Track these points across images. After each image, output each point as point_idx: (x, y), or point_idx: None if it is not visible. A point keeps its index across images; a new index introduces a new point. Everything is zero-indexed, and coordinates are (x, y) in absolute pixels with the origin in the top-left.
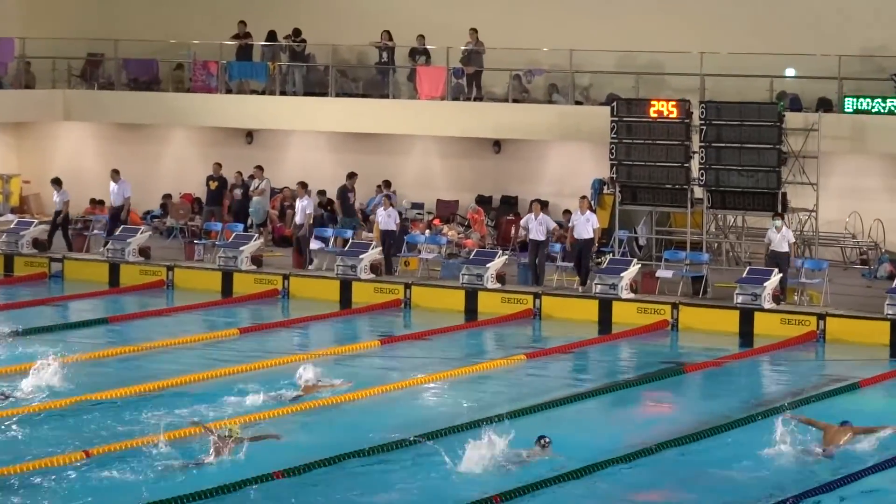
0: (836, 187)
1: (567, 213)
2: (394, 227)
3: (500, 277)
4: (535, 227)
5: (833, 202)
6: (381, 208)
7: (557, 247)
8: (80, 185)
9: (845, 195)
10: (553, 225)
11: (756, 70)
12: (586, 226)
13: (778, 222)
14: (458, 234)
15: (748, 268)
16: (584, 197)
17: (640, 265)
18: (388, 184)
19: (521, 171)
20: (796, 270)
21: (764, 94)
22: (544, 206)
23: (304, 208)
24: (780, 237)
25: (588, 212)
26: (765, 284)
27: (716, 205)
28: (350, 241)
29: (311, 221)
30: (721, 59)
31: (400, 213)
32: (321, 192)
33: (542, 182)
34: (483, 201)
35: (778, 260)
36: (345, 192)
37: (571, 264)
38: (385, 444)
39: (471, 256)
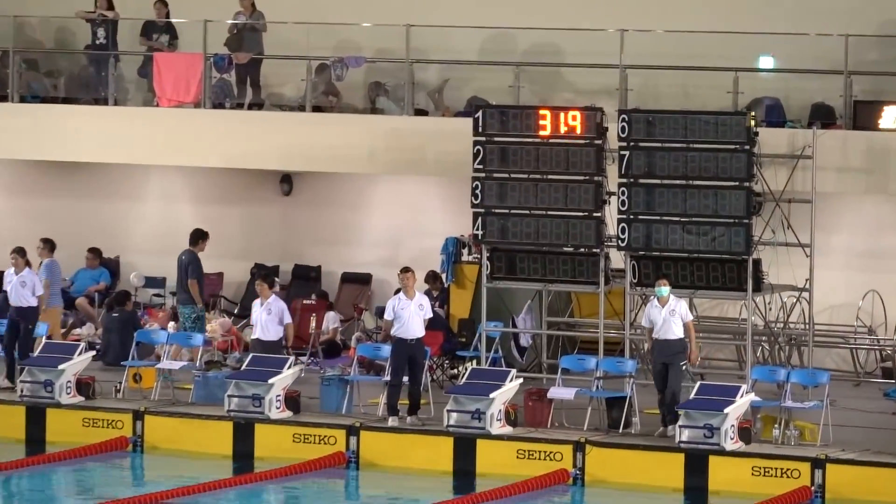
0: (842, 251)
1: (397, 293)
2: (32, 302)
3: (293, 401)
4: (261, 317)
5: (837, 275)
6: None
7: (387, 349)
8: None
9: (857, 264)
10: (288, 318)
11: (712, 59)
12: (417, 317)
13: (663, 288)
14: (224, 328)
15: (699, 383)
16: (407, 270)
17: (521, 379)
18: (94, 254)
19: (326, 225)
20: (777, 389)
21: (724, 98)
22: (307, 284)
23: None
24: (668, 315)
25: (419, 294)
26: (726, 411)
27: (646, 280)
28: (43, 339)
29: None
30: (655, 40)
31: (127, 295)
32: None
33: (362, 243)
34: (265, 274)
35: (667, 355)
36: (197, 263)
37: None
38: None
39: (244, 366)
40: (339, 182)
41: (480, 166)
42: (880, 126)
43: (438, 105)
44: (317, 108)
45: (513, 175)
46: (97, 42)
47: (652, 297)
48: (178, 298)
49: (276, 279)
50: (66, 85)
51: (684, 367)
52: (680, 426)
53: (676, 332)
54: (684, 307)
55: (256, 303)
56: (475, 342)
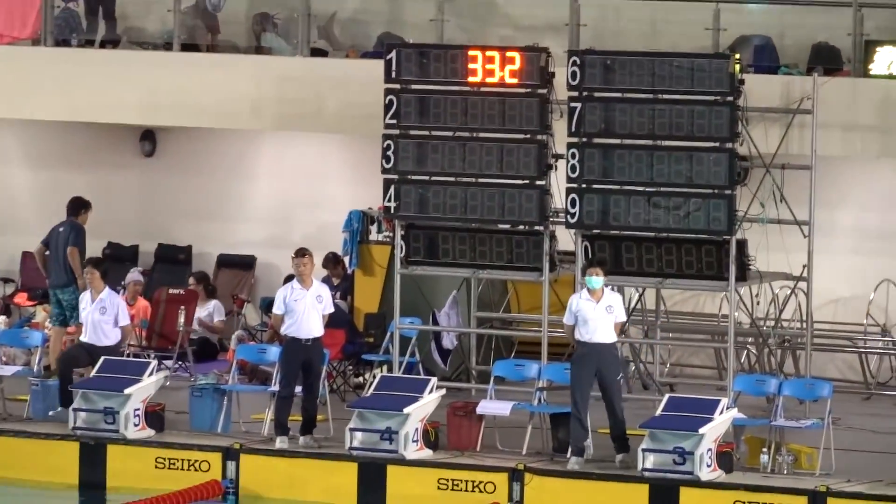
0: (849, 230)
1: (289, 280)
2: None
3: (156, 416)
4: (92, 316)
5: (843, 260)
6: None
7: (274, 352)
8: None
9: (868, 247)
10: (125, 318)
11: None
12: (315, 311)
13: (596, 279)
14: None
15: (667, 396)
16: (304, 253)
17: (444, 391)
18: None
19: (198, 195)
20: (766, 404)
21: (702, 36)
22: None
23: None
24: (604, 312)
25: (317, 283)
26: (701, 431)
27: (600, 265)
28: None
29: None
30: None
31: None
32: None
33: (244, 218)
34: (119, 256)
35: (601, 362)
36: (82, 234)
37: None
38: None
39: (93, 372)
40: (214, 141)
41: (393, 121)
42: (871, 71)
43: (335, 43)
44: (188, 47)
45: (434, 133)
46: None
47: (581, 288)
48: (52, 281)
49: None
50: None
51: (621, 381)
52: (644, 450)
53: (613, 335)
54: (621, 304)
55: (85, 297)
56: (386, 343)
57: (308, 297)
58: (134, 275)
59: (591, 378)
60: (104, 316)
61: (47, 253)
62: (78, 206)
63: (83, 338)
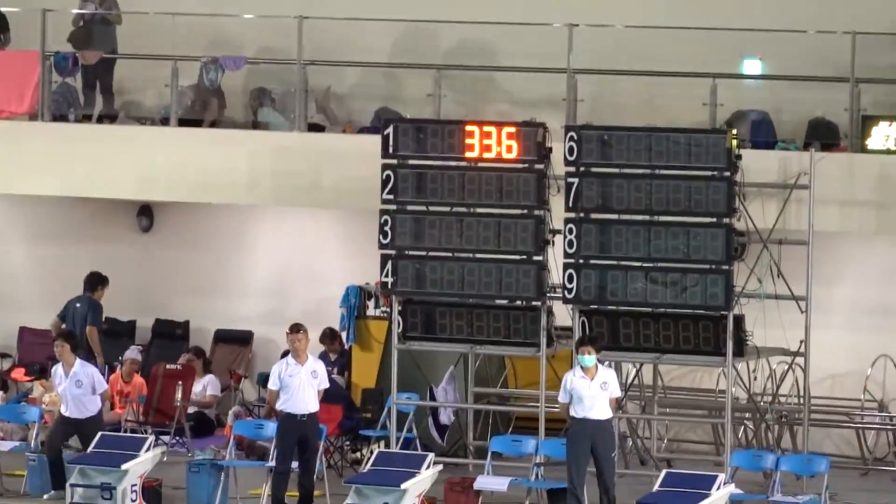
0: (846, 306)
1: (286, 356)
2: None
3: (153, 492)
4: (70, 391)
5: (840, 336)
6: None
7: (271, 427)
8: None
9: (865, 322)
10: (102, 384)
11: (684, 62)
12: (310, 387)
13: (588, 358)
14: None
15: (665, 471)
16: (298, 329)
17: (441, 466)
18: None
19: (196, 270)
20: (763, 479)
21: (699, 112)
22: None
23: None
24: (598, 390)
25: (312, 358)
26: None
27: (598, 342)
28: None
29: None
30: (612, 38)
31: None
32: None
33: (241, 293)
34: (116, 332)
35: (594, 440)
36: (99, 310)
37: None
38: None
39: (91, 447)
40: (211, 216)
41: (391, 196)
42: (868, 147)
43: (332, 118)
44: (186, 122)
45: (431, 208)
46: None
47: (575, 365)
48: None
49: (140, 347)
50: None
51: (615, 457)
52: None
53: (608, 411)
54: (615, 380)
55: (58, 371)
56: (383, 418)
57: (303, 372)
58: (133, 352)
59: (586, 454)
60: (81, 389)
61: (63, 327)
62: (95, 282)
63: (64, 412)
